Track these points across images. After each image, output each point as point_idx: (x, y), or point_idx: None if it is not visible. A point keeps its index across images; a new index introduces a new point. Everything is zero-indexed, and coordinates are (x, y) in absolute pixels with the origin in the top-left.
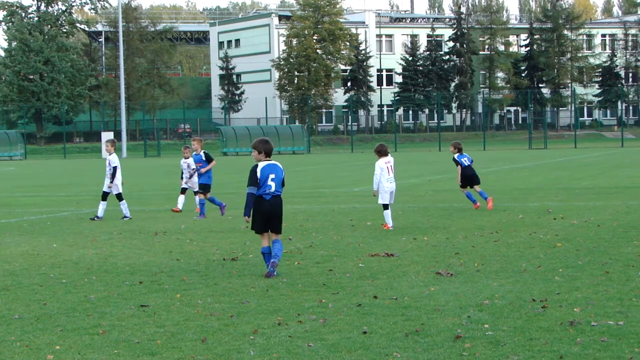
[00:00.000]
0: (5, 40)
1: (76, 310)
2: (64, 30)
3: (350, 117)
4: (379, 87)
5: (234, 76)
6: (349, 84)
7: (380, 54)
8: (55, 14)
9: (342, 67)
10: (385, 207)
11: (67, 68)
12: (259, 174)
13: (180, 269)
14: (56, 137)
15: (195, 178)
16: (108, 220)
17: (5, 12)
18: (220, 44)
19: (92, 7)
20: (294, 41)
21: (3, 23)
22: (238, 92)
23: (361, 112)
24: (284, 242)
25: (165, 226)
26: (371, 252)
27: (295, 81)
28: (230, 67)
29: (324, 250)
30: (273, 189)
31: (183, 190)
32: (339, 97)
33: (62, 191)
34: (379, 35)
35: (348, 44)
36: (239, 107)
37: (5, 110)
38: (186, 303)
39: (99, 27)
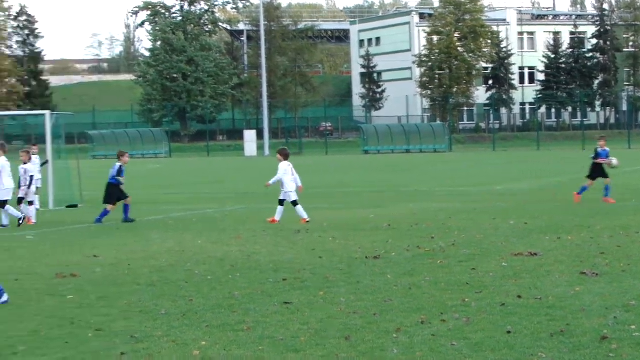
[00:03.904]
0: (150, 40)
1: (221, 306)
2: (207, 29)
3: (492, 115)
4: (521, 85)
5: (375, 74)
6: (490, 81)
7: (522, 51)
8: (198, 13)
9: (484, 64)
10: (295, 203)
11: (211, 67)
12: None
13: (323, 266)
14: (200, 135)
15: (33, 187)
16: (252, 218)
17: (149, 13)
18: (361, 42)
19: (234, 6)
20: (435, 39)
21: (147, 23)
22: (379, 90)
23: (503, 110)
24: (427, 241)
25: (307, 224)
26: (514, 251)
27: (437, 79)
28: (371, 65)
29: (467, 249)
30: None
31: (20, 200)
32: (481, 95)
33: (206, 189)
34: (521, 33)
35: (489, 41)
36: (380, 106)
37: (150, 109)
38: (329, 301)
39: (241, 26)
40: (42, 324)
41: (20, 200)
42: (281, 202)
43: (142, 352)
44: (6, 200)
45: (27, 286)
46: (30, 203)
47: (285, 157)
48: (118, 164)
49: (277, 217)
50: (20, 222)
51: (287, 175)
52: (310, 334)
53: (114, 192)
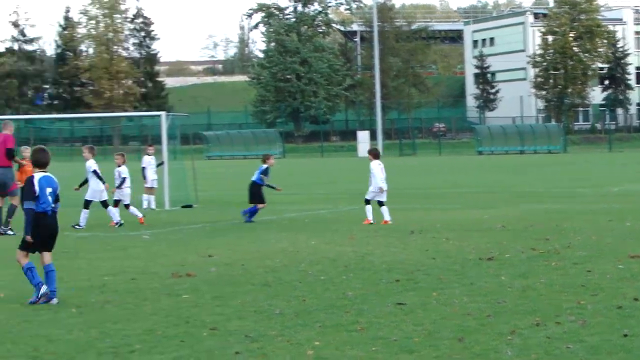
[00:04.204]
0: (264, 42)
1: (334, 306)
2: (320, 30)
3: (607, 116)
4: (638, 85)
5: (489, 75)
6: (606, 82)
7: (639, 51)
8: (311, 14)
9: (599, 64)
10: (367, 202)
11: (324, 68)
12: (36, 187)
13: (437, 267)
14: (313, 135)
15: (128, 190)
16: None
17: (263, 14)
18: (475, 42)
19: (348, 7)
20: (550, 39)
21: (261, 25)
22: (493, 90)
23: (619, 111)
24: (541, 242)
25: (421, 225)
26: (631, 253)
27: (552, 79)
28: (485, 65)
29: (582, 250)
30: (52, 204)
31: (116, 203)
32: (596, 95)
33: (319, 189)
34: (638, 32)
35: (605, 41)
36: (494, 106)
37: (263, 111)
38: (442, 302)
39: (354, 27)
40: (158, 323)
41: (116, 203)
42: (380, 203)
43: (257, 351)
44: (91, 201)
45: (143, 286)
46: (127, 206)
47: (375, 156)
48: (264, 166)
49: (387, 217)
50: (76, 226)
51: (376, 174)
52: (424, 335)
53: (258, 192)
